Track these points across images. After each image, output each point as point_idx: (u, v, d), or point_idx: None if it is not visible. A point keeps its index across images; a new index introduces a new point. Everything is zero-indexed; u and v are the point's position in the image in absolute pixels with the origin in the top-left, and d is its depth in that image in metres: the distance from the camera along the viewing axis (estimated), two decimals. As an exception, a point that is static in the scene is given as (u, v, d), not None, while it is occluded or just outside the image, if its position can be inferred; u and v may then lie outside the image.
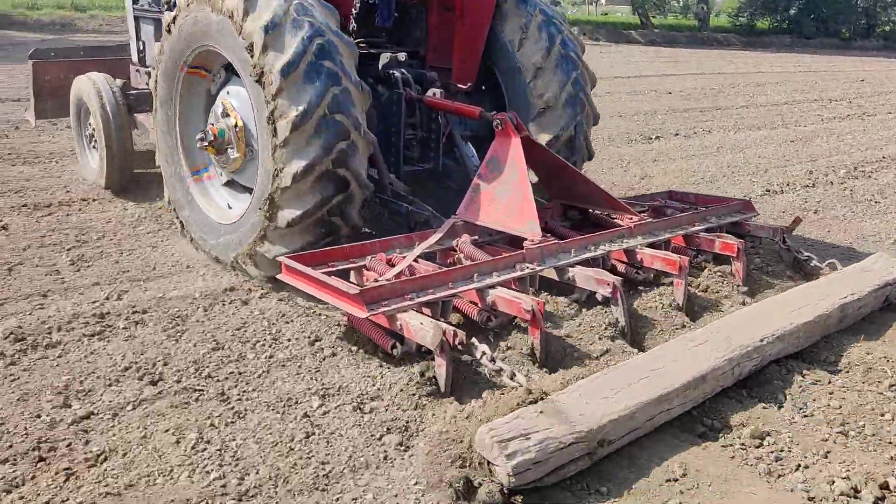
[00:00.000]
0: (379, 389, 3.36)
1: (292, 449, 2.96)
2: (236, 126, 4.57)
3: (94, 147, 6.47)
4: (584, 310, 4.15)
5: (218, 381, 3.43)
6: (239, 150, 4.61)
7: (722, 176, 8.36)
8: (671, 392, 3.18)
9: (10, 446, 2.92)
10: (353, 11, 5.21)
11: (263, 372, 3.52)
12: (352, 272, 4.03)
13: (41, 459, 2.86)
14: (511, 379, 3.25)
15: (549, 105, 5.38)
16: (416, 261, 4.09)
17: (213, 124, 4.69)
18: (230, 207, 4.86)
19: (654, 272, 4.54)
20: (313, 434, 3.05)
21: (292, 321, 4.04)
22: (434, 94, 5.20)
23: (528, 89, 5.43)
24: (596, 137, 10.03)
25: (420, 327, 3.34)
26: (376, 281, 3.68)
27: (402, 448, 3.01)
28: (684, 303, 4.28)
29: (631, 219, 4.82)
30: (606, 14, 49.06)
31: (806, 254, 4.94)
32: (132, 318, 4.02)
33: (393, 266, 3.93)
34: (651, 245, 4.63)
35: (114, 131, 6.10)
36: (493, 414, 2.91)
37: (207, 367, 3.54)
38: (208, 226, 4.80)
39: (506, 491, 2.71)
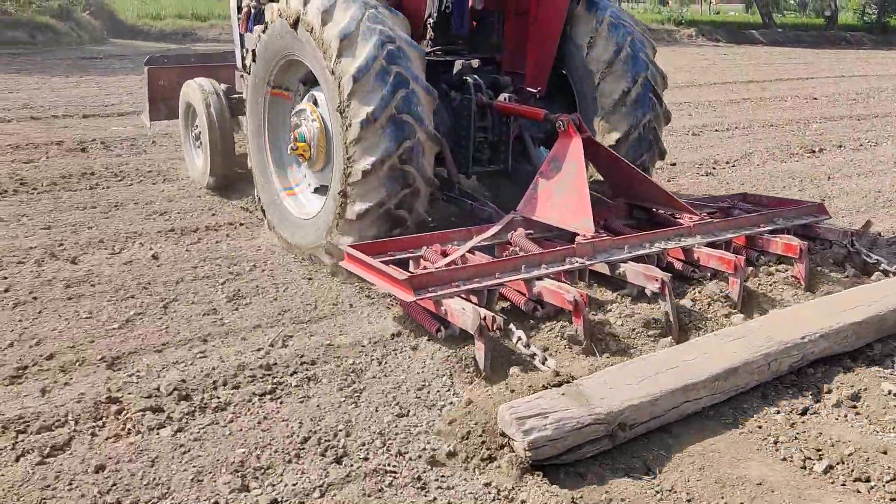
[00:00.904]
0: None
1: None
2: (317, 129, 4.96)
3: (199, 147, 7.07)
4: (635, 304, 4.27)
5: (410, 459, 3.01)
6: (320, 152, 5.00)
7: (913, 198, 7.43)
8: (698, 382, 3.30)
9: None
10: (430, 21, 5.52)
11: None
12: (410, 261, 4.34)
13: None
14: (542, 364, 3.46)
15: (618, 105, 5.51)
16: (472, 252, 4.35)
17: (295, 129, 5.10)
18: (311, 203, 5.26)
19: (712, 271, 4.60)
20: None
21: (469, 370, 3.65)
22: (504, 98, 5.44)
23: (597, 90, 5.58)
24: (754, 150, 9.70)
25: (462, 312, 3.61)
26: (425, 269, 3.96)
27: None
28: (740, 301, 4.34)
29: (691, 218, 4.89)
30: (718, 13, 47.54)
31: (875, 257, 4.88)
32: (302, 372, 3.64)
33: (446, 256, 4.20)
34: (710, 244, 4.69)
35: (218, 133, 6.65)
36: (519, 394, 3.14)
37: (395, 439, 3.12)
38: (290, 221, 5.23)
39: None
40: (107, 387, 3.46)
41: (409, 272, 4.06)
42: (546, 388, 3.15)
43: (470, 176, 5.52)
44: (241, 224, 6.02)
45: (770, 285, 4.62)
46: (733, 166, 8.81)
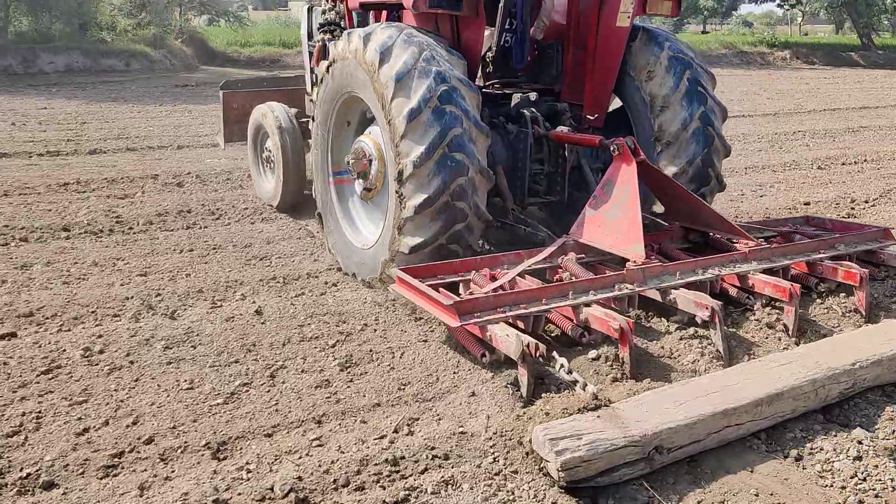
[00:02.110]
0: None
1: None
2: (375, 153, 5.15)
3: (269, 169, 7.37)
4: (685, 331, 4.27)
5: None
6: (378, 174, 5.18)
7: None
8: (739, 407, 3.28)
9: None
10: (489, 55, 5.68)
11: None
12: (460, 285, 4.47)
13: None
14: (583, 389, 3.51)
15: (675, 139, 5.55)
16: (522, 276, 4.44)
17: (356, 151, 5.29)
18: (369, 233, 5.46)
19: (767, 299, 4.54)
20: None
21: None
22: (561, 129, 5.53)
23: (655, 123, 5.63)
24: (893, 187, 8.67)
25: (506, 338, 3.68)
26: (471, 294, 4.08)
27: None
28: (794, 330, 4.26)
29: (746, 244, 4.85)
30: (807, 34, 46.27)
31: (941, 284, 4.72)
32: (437, 471, 3.12)
33: (495, 280, 4.31)
34: (767, 271, 4.64)
35: (290, 155, 6.94)
36: (555, 417, 3.20)
37: None
38: (350, 249, 5.45)
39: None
40: (213, 485, 3.01)
41: (457, 296, 4.19)
42: (582, 411, 3.21)
43: (525, 206, 5.62)
44: (346, 273, 5.59)
45: (824, 314, 4.52)
46: (874, 206, 8.05)
